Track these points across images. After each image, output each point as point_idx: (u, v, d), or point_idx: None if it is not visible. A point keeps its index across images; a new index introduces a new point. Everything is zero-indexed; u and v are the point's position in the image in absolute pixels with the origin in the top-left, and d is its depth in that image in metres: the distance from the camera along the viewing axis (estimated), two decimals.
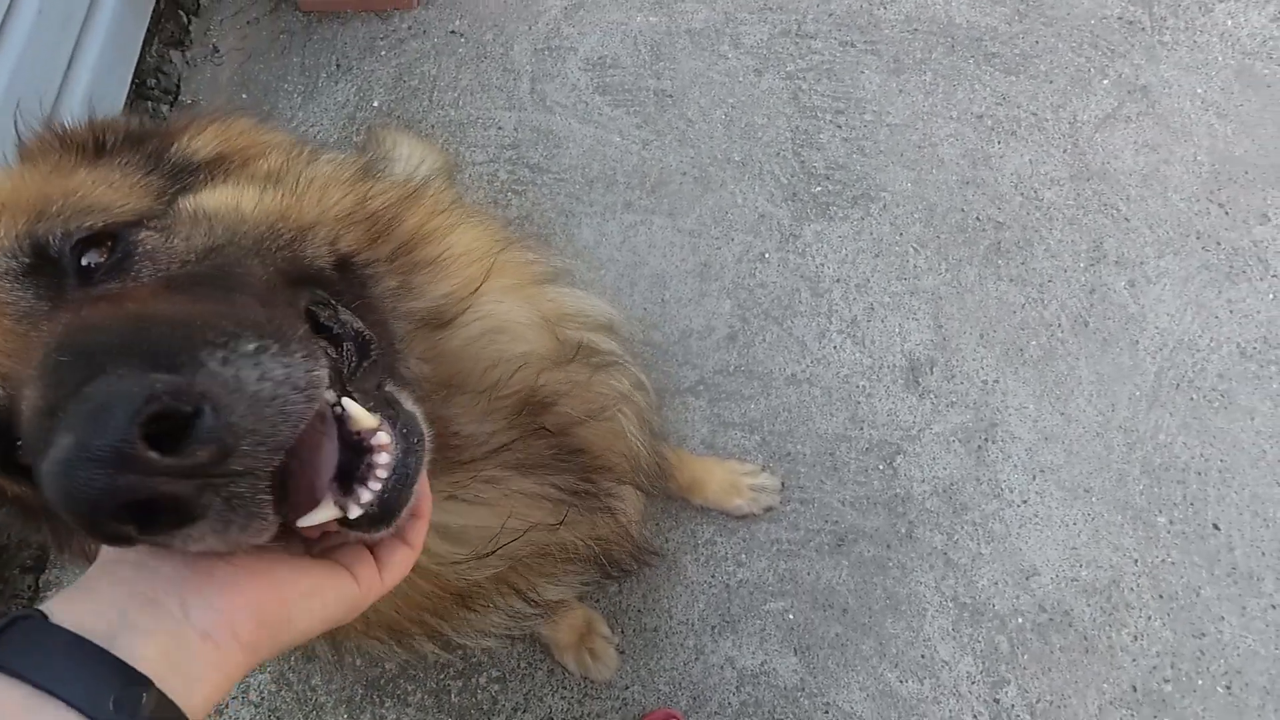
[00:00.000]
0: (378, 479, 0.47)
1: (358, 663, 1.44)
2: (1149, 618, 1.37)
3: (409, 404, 0.54)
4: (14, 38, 1.44)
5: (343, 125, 1.75)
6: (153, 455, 0.35)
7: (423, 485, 0.51)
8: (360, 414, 0.47)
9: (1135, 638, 1.36)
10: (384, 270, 0.62)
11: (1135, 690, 1.32)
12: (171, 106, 1.77)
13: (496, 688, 1.42)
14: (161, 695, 0.37)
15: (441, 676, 1.43)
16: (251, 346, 0.41)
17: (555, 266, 0.78)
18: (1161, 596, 1.38)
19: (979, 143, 1.67)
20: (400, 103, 1.77)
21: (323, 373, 0.44)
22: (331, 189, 0.63)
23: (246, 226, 0.55)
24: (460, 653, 0.87)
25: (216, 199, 0.58)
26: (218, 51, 1.84)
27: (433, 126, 1.74)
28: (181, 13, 1.85)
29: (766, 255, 1.62)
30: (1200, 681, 1.32)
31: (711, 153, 1.69)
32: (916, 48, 1.74)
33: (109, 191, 0.57)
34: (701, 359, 1.56)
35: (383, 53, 1.81)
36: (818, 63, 1.74)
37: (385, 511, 0.48)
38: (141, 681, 0.36)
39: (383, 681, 1.43)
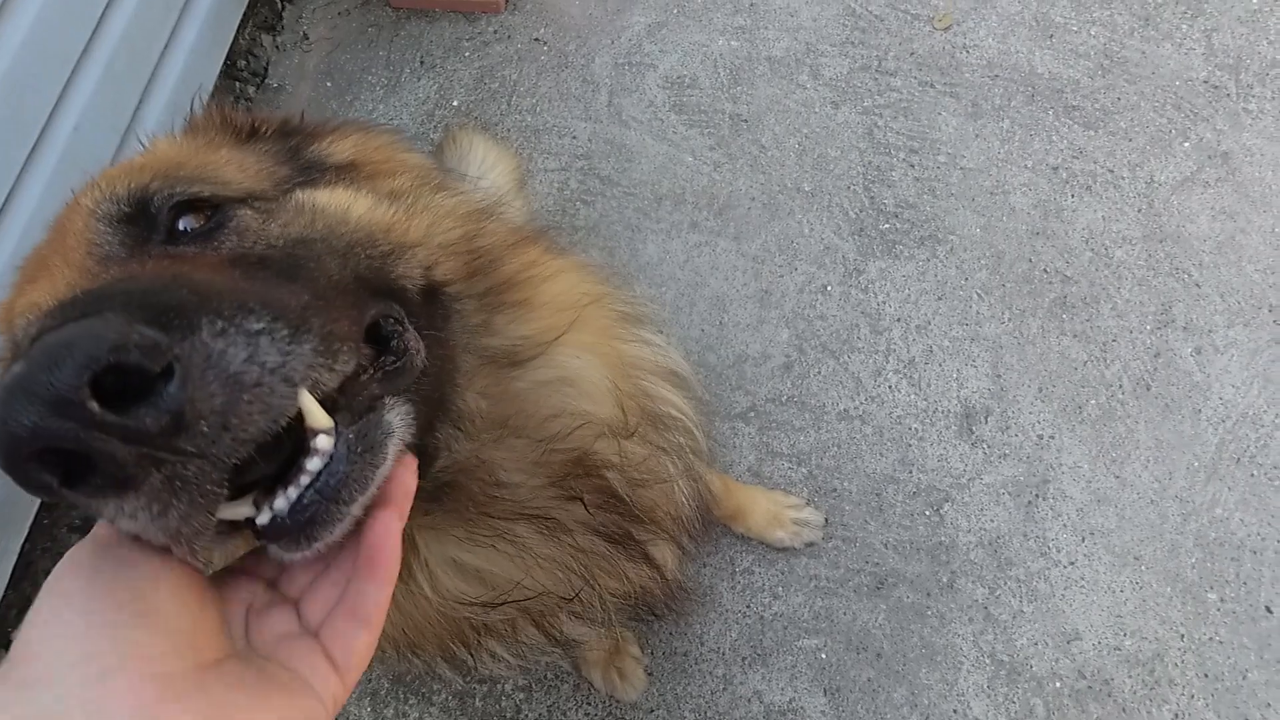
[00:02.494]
0: (297, 486, 0.40)
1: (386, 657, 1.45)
2: (1192, 696, 1.33)
3: (395, 416, 0.47)
4: (119, 15, 1.49)
5: (421, 121, 1.78)
6: (93, 406, 0.32)
7: (383, 536, 0.42)
8: (312, 409, 0.40)
9: (1176, 716, 1.33)
10: (471, 307, 0.61)
11: None
12: (258, 89, 1.82)
13: (521, 696, 1.41)
14: None
15: (467, 680, 1.43)
16: (258, 325, 0.37)
17: (638, 307, 0.78)
18: (1207, 676, 1.34)
19: (1052, 194, 1.65)
20: (479, 104, 1.79)
21: (328, 375, 0.40)
22: (445, 219, 0.62)
23: (347, 229, 0.55)
24: (473, 676, 0.84)
25: (330, 197, 0.58)
26: (307, 39, 1.89)
27: (508, 130, 1.77)
28: None
29: (829, 288, 1.62)
30: None
31: (782, 180, 1.69)
32: (996, 94, 1.74)
33: (235, 171, 0.58)
34: (755, 386, 1.56)
35: (466, 54, 1.84)
36: (895, 100, 1.74)
37: (298, 527, 0.40)
38: None
39: (409, 678, 1.44)
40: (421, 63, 1.84)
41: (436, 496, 0.60)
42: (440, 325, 0.58)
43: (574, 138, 1.75)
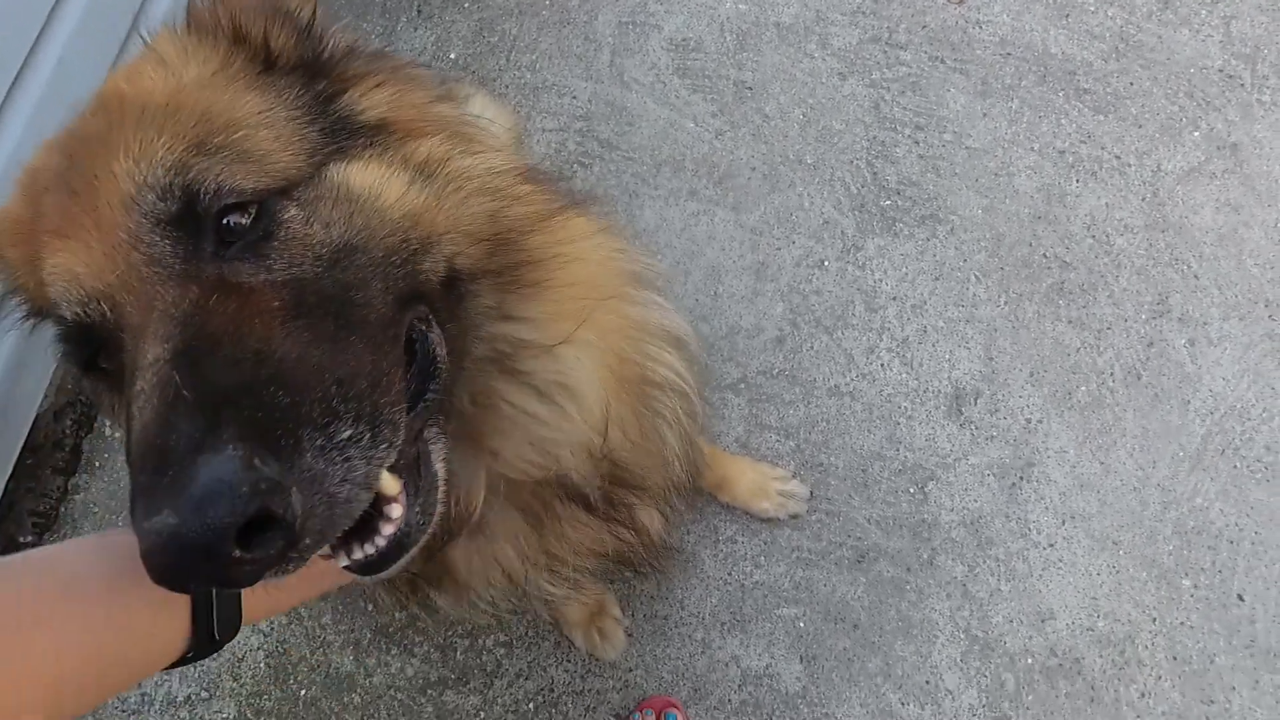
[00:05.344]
0: (375, 545, 0.50)
1: (369, 608, 1.46)
2: (1159, 677, 1.36)
3: (438, 462, 0.54)
4: None
5: None
6: (237, 554, 0.39)
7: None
8: (386, 482, 0.48)
9: (1142, 695, 1.36)
10: (486, 286, 0.60)
11: None
12: None
13: (502, 651, 1.43)
14: None
15: (449, 633, 1.44)
16: (346, 434, 0.44)
17: (645, 267, 0.76)
18: (1175, 659, 1.37)
19: (1057, 178, 1.63)
20: (477, 58, 1.75)
21: (392, 455, 0.47)
22: (474, 197, 0.59)
23: (384, 229, 0.54)
24: (439, 616, 0.86)
25: (364, 179, 0.56)
26: None
27: (506, 87, 1.73)
28: None
29: (826, 263, 1.60)
30: None
31: (784, 151, 1.67)
32: (1007, 73, 1.70)
33: (270, 139, 0.55)
34: (747, 358, 1.55)
35: (465, 5, 1.79)
36: (904, 75, 1.71)
37: (371, 569, 0.51)
38: None
39: (391, 630, 1.45)
40: (419, 12, 1.79)
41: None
42: (456, 311, 0.58)
43: (574, 98, 1.71)
